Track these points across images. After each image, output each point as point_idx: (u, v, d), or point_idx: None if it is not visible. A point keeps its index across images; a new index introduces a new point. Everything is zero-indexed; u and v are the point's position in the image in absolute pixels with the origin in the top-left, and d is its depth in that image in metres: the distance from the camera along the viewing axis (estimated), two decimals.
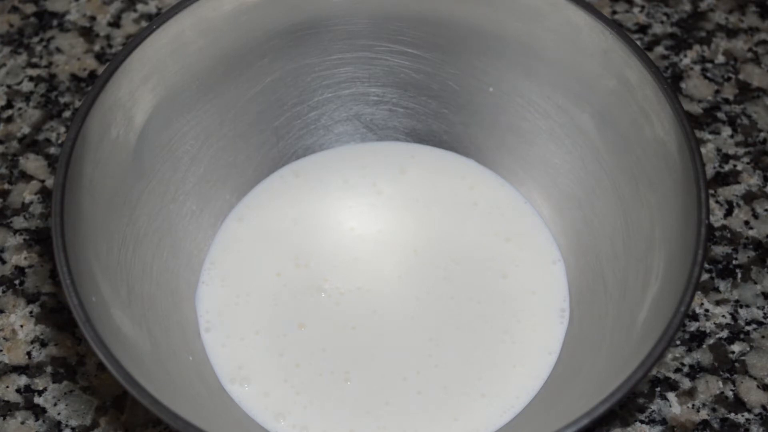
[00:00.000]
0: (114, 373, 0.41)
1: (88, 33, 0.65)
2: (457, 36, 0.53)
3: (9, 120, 0.61)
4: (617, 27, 0.48)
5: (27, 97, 0.62)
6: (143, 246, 0.50)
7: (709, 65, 0.63)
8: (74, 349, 0.54)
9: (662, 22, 0.65)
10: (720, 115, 0.61)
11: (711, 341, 0.54)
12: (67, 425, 0.51)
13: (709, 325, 0.54)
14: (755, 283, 0.55)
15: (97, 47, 0.64)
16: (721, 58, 0.63)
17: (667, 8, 0.65)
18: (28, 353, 0.54)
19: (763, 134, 0.60)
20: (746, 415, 0.52)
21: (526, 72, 0.52)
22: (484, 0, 0.51)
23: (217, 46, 0.51)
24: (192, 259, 0.53)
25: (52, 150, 0.60)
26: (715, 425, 0.51)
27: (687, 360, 0.53)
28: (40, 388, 0.53)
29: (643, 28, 0.65)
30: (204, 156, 0.53)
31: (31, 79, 0.63)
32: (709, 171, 0.59)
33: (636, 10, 0.66)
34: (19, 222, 0.58)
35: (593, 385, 0.45)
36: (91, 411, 0.52)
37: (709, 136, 0.60)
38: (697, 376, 0.53)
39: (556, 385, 0.50)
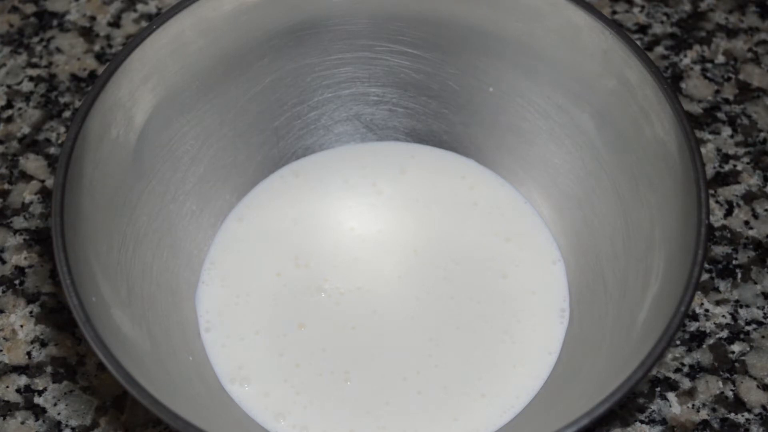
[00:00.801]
0: (114, 373, 0.41)
1: (88, 33, 0.65)
2: (457, 36, 0.53)
3: (9, 120, 0.61)
4: (617, 27, 0.48)
5: (27, 97, 0.62)
6: (143, 246, 0.50)
7: (709, 65, 0.63)
8: (74, 349, 0.54)
9: (662, 22, 0.65)
10: (720, 115, 0.61)
11: (711, 341, 0.54)
12: (67, 425, 0.51)
13: (709, 325, 0.54)
14: (755, 283, 0.55)
15: (97, 47, 0.64)
16: (721, 58, 0.63)
17: (667, 8, 0.65)
18: (28, 353, 0.54)
19: (763, 134, 0.60)
20: (746, 415, 0.52)
21: (526, 72, 0.52)
22: (484, 0, 0.51)
23: (217, 46, 0.51)
24: (192, 259, 0.53)
25: (52, 150, 0.60)
26: (715, 425, 0.51)
27: (687, 360, 0.53)
28: (40, 388, 0.53)
29: (643, 28, 0.65)
30: (204, 156, 0.53)
31: (31, 79, 0.63)
32: (709, 171, 0.59)
33: (636, 10, 0.66)
34: (19, 222, 0.58)
35: (593, 385, 0.45)
36: (91, 411, 0.52)
37: (709, 136, 0.60)
38: (697, 376, 0.53)
39: (556, 385, 0.50)
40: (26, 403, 0.52)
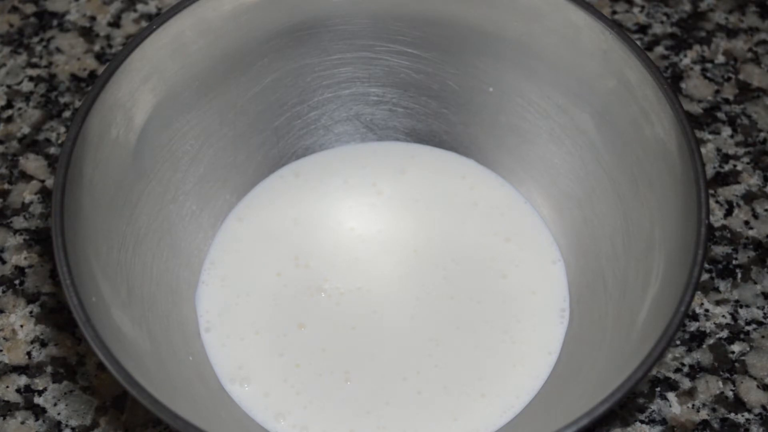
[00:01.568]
0: (114, 373, 0.41)
1: (88, 33, 0.65)
2: (457, 36, 0.53)
3: (9, 120, 0.61)
4: (617, 27, 0.48)
5: (27, 97, 0.62)
6: (143, 246, 0.50)
7: (709, 65, 0.63)
8: (74, 349, 0.54)
9: (662, 22, 0.65)
10: (720, 115, 0.61)
11: (711, 341, 0.54)
12: (67, 425, 0.52)
13: (709, 325, 0.54)
14: (755, 283, 0.55)
15: (97, 47, 0.64)
16: (721, 58, 0.63)
17: (667, 8, 0.65)
18: (28, 353, 0.54)
19: (763, 134, 0.60)
20: (746, 415, 0.52)
21: (526, 72, 0.52)
22: (483, 0, 0.51)
23: (217, 46, 0.51)
24: (192, 259, 0.53)
25: (52, 150, 0.60)
26: (715, 425, 0.51)
27: (687, 360, 0.53)
28: (40, 388, 0.53)
29: (643, 28, 0.65)
30: (204, 156, 0.53)
31: (31, 79, 0.63)
32: (709, 171, 0.59)
33: (636, 10, 0.66)
34: (19, 222, 0.58)
35: (593, 385, 0.45)
36: (91, 411, 0.52)
37: (709, 136, 0.60)
38: (697, 376, 0.53)
39: (556, 385, 0.50)
40: (26, 403, 0.52)
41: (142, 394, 0.40)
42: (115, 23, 0.65)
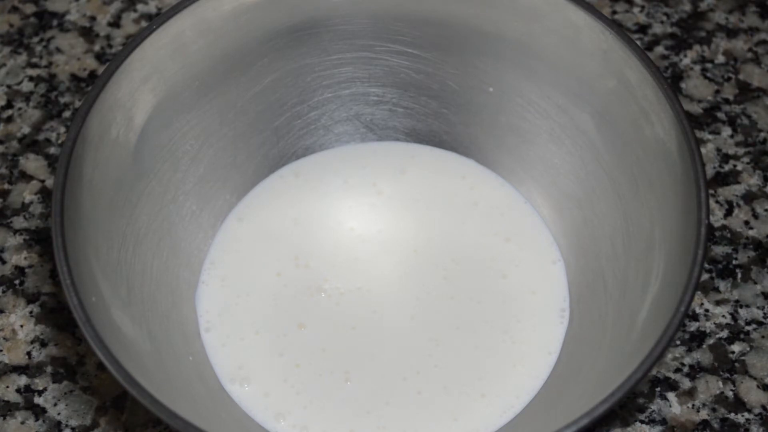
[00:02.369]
0: (114, 373, 0.41)
1: (88, 33, 0.65)
2: (457, 36, 0.53)
3: (9, 120, 0.61)
4: (617, 27, 0.48)
5: (27, 97, 0.62)
6: (143, 246, 0.50)
7: (709, 65, 0.63)
8: (74, 349, 0.54)
9: (662, 22, 0.65)
10: (720, 115, 0.61)
11: (711, 341, 0.54)
12: (67, 425, 0.52)
13: (709, 325, 0.54)
14: (755, 283, 0.55)
15: (97, 47, 0.64)
16: (721, 58, 0.63)
17: (667, 8, 0.65)
18: (28, 353, 0.54)
19: (763, 134, 0.60)
20: (746, 415, 0.52)
21: (526, 72, 0.52)
22: (484, 0, 0.51)
23: (217, 46, 0.51)
24: (192, 259, 0.53)
25: (52, 150, 0.60)
26: (715, 425, 0.51)
27: (687, 360, 0.53)
28: (40, 388, 0.53)
29: (643, 28, 0.65)
30: (204, 156, 0.53)
31: (31, 79, 0.63)
32: (709, 171, 0.59)
33: (636, 10, 0.66)
34: (19, 222, 0.58)
35: (593, 385, 0.45)
36: (91, 411, 0.52)
37: (709, 136, 0.60)
38: (697, 376, 0.53)
39: (556, 385, 0.50)
40: (26, 403, 0.52)
41: (142, 394, 0.40)
42: (115, 23, 0.65)
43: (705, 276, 0.55)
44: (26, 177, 0.59)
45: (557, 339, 0.51)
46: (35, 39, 0.65)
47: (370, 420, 0.49)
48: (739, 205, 0.58)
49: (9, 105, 0.62)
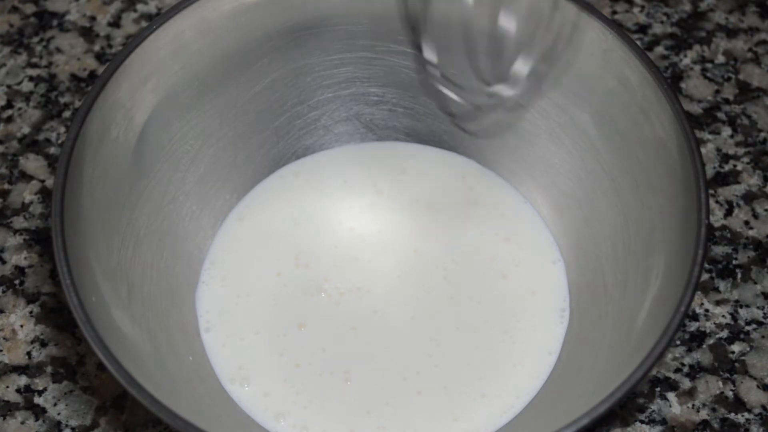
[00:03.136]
0: (114, 373, 0.41)
1: (88, 33, 0.65)
2: (457, 36, 0.52)
3: (9, 120, 0.61)
4: (617, 27, 0.48)
5: (27, 97, 0.62)
6: (143, 246, 0.50)
7: (709, 65, 0.63)
8: (74, 349, 0.54)
9: (662, 22, 0.65)
10: (720, 115, 0.61)
11: (711, 341, 0.54)
12: (67, 425, 0.52)
13: (709, 325, 0.54)
14: (755, 283, 0.55)
15: (97, 47, 0.64)
16: (721, 58, 0.63)
17: (667, 8, 0.65)
18: (28, 353, 0.54)
19: (763, 134, 0.60)
20: (746, 415, 0.52)
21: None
22: (484, 0, 0.51)
23: (217, 46, 0.51)
24: (192, 259, 0.53)
25: (52, 150, 0.60)
26: (715, 425, 0.51)
27: (687, 360, 0.53)
28: (40, 388, 0.53)
29: (643, 28, 0.65)
30: (204, 156, 0.53)
31: (31, 79, 0.63)
32: (709, 171, 0.59)
33: (636, 10, 0.66)
34: (19, 222, 0.58)
35: (593, 385, 0.45)
36: (91, 411, 0.52)
37: (709, 136, 0.60)
38: (697, 376, 0.53)
39: (556, 385, 0.50)
40: (26, 403, 0.52)
41: (142, 394, 0.40)
42: (115, 23, 0.65)
43: (705, 276, 0.55)
44: (26, 177, 0.59)
45: (557, 339, 0.51)
46: (35, 39, 0.65)
47: (370, 420, 0.49)
48: (739, 205, 0.58)
49: (9, 105, 0.62)
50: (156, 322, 0.49)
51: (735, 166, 0.59)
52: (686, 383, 0.52)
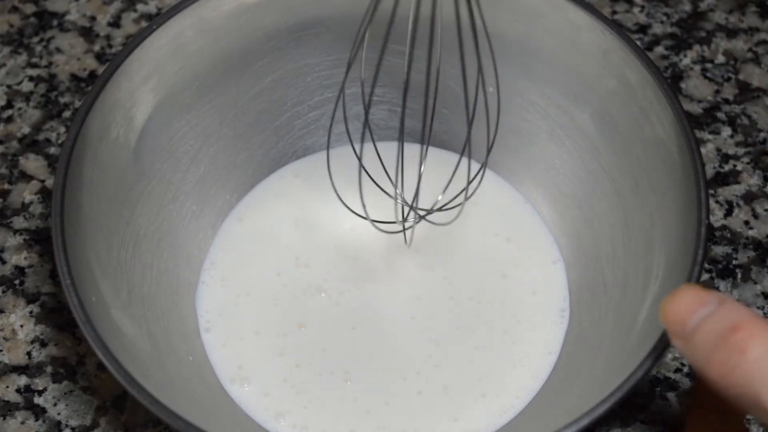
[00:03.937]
0: (114, 373, 0.41)
1: (88, 33, 0.65)
2: (457, 36, 0.52)
3: (9, 120, 0.61)
4: (617, 27, 0.48)
5: (27, 97, 0.62)
6: (143, 246, 0.50)
7: (709, 65, 0.63)
8: (74, 349, 0.54)
9: (662, 22, 0.65)
10: (720, 115, 0.61)
11: None
12: (67, 425, 0.52)
13: None
14: (755, 283, 0.55)
15: (97, 47, 0.64)
16: (721, 58, 0.63)
17: (667, 8, 0.65)
18: (28, 353, 0.54)
19: (763, 134, 0.60)
20: (746, 415, 0.51)
21: (526, 72, 0.52)
22: (484, 0, 0.51)
23: (217, 46, 0.51)
24: (192, 259, 0.53)
25: (52, 150, 0.60)
26: None
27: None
28: (40, 388, 0.53)
29: (643, 28, 0.65)
30: (204, 156, 0.53)
31: (31, 79, 0.63)
32: (709, 171, 0.59)
33: (636, 10, 0.66)
34: (19, 222, 0.58)
35: (593, 385, 0.45)
36: (91, 411, 0.52)
37: (709, 136, 0.60)
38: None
39: (556, 385, 0.50)
40: (26, 403, 0.52)
41: (142, 394, 0.40)
42: (115, 23, 0.65)
43: (705, 276, 0.55)
44: (26, 177, 0.59)
45: (557, 339, 0.51)
46: (35, 39, 0.65)
47: (369, 420, 0.49)
48: (739, 205, 0.58)
49: (9, 105, 0.62)
50: (156, 322, 0.49)
51: (735, 166, 0.59)
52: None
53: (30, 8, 0.66)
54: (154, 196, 0.51)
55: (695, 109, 0.61)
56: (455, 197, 0.51)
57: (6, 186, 0.59)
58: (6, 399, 0.52)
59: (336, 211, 0.55)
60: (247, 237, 0.55)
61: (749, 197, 0.58)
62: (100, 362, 0.41)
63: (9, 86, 0.63)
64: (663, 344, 0.41)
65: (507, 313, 0.52)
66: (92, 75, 0.63)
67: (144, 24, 0.65)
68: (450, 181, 0.51)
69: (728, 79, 0.63)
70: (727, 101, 0.62)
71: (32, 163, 0.60)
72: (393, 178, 0.48)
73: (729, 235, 0.57)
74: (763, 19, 0.65)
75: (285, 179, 0.56)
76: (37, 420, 0.52)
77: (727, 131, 0.61)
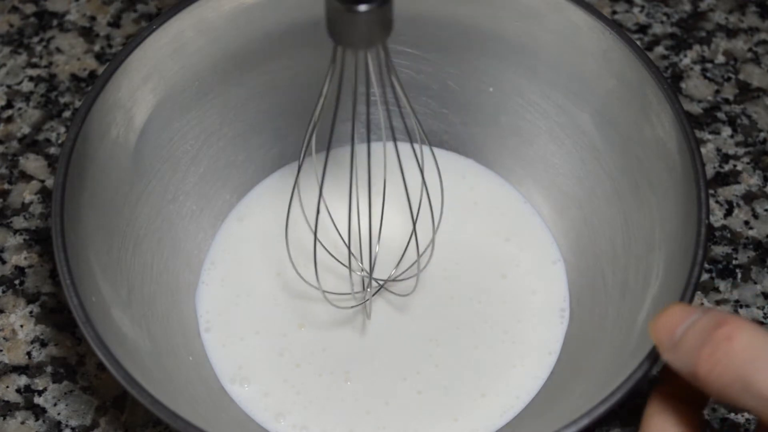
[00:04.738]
0: (114, 373, 0.41)
1: (88, 33, 0.65)
2: (457, 36, 0.53)
3: (9, 120, 0.61)
4: (617, 27, 0.48)
5: (27, 97, 0.62)
6: (143, 246, 0.50)
7: (709, 65, 0.63)
8: (74, 349, 0.54)
9: (662, 22, 0.65)
10: (720, 115, 0.61)
11: None
12: (67, 425, 0.51)
13: None
14: (755, 283, 0.55)
15: (97, 47, 0.64)
16: (721, 58, 0.63)
17: (667, 8, 0.65)
18: (28, 353, 0.54)
19: (763, 134, 0.60)
20: (746, 415, 0.51)
21: (526, 72, 0.52)
22: (484, 0, 0.51)
23: (217, 46, 0.51)
24: (192, 259, 0.53)
25: (52, 150, 0.60)
26: (715, 425, 0.51)
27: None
28: (40, 388, 0.53)
29: (643, 28, 0.65)
30: (204, 156, 0.53)
31: (31, 79, 0.63)
32: (709, 171, 0.59)
33: (636, 10, 0.66)
34: (19, 222, 0.58)
35: (593, 385, 0.45)
36: (91, 411, 0.52)
37: (709, 136, 0.60)
38: None
39: (556, 385, 0.50)
40: (26, 403, 0.52)
41: (142, 394, 0.40)
42: (115, 23, 0.65)
43: (705, 276, 0.55)
44: (26, 177, 0.59)
45: (557, 339, 0.51)
46: (35, 39, 0.65)
47: (369, 420, 0.49)
48: (739, 205, 0.58)
49: (9, 105, 0.62)
50: (156, 322, 0.49)
51: (735, 166, 0.59)
52: None
53: (30, 8, 0.66)
54: (154, 196, 0.51)
55: (695, 109, 0.61)
56: (409, 267, 0.52)
57: (6, 186, 0.59)
58: (6, 399, 0.52)
59: (336, 211, 0.55)
60: (247, 237, 0.55)
61: (749, 197, 0.58)
62: (100, 362, 0.41)
63: (9, 86, 0.63)
64: None
65: (507, 313, 0.52)
66: (92, 75, 0.63)
67: (144, 24, 0.65)
68: (404, 252, 0.52)
69: (728, 79, 0.63)
70: (727, 101, 0.62)
71: (32, 163, 0.60)
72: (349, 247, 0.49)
73: (729, 235, 0.57)
74: (763, 19, 0.65)
75: (285, 179, 0.56)
76: (37, 420, 0.52)
77: (727, 131, 0.61)
